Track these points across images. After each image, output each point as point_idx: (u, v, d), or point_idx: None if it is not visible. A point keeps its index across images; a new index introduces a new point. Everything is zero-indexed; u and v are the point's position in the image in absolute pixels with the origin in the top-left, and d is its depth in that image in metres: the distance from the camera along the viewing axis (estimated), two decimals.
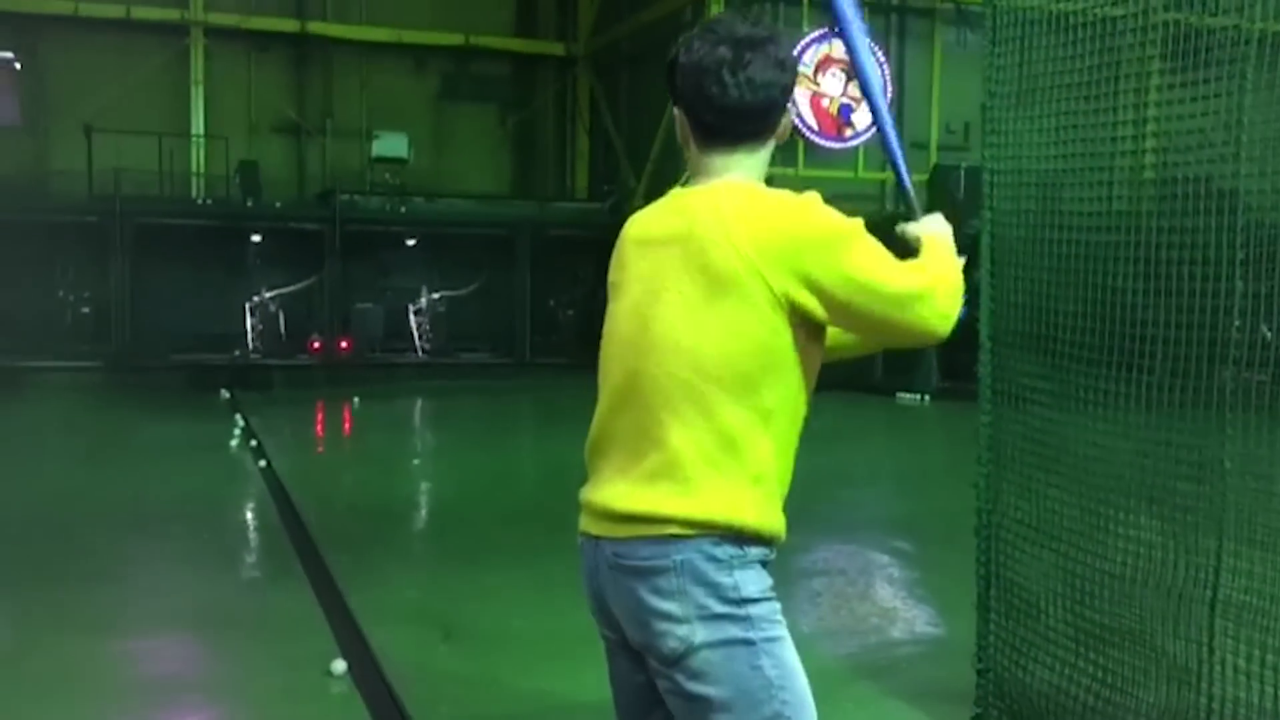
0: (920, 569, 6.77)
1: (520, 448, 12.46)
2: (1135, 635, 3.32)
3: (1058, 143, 3.65)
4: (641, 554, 2.02)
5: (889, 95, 19.68)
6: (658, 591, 2.00)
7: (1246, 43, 2.97)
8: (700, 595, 1.99)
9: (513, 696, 4.40)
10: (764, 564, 2.07)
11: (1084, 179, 3.57)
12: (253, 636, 5.17)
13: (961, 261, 2.23)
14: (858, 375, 16.64)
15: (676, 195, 2.16)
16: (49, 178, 20.58)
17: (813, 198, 2.07)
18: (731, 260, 2.00)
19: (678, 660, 2.00)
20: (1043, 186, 3.72)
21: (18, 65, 20.69)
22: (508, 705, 4.31)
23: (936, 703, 4.18)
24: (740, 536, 2.02)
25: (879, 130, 2.49)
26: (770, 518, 2.07)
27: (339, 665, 4.55)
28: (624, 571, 2.05)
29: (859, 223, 2.04)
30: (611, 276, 2.21)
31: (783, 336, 2.02)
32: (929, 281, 2.06)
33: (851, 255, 2.01)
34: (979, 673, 3.90)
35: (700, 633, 1.99)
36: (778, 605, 2.07)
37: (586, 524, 2.15)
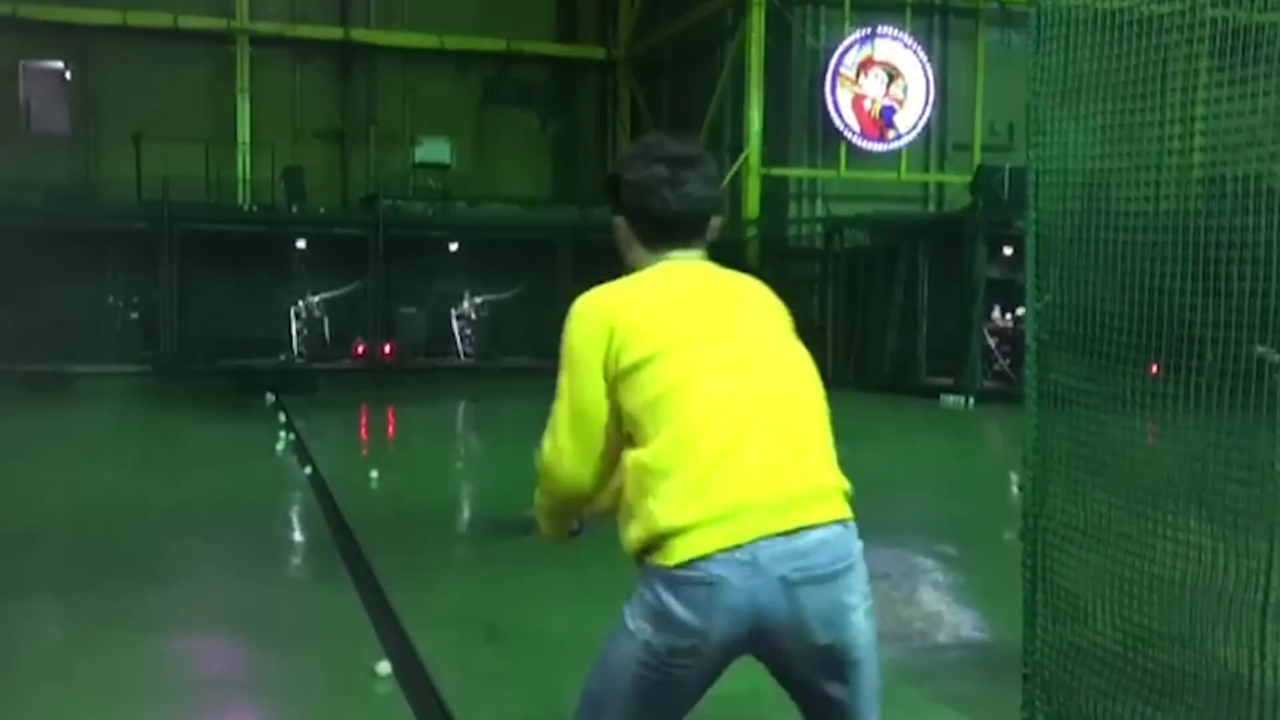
0: (965, 573, 6.71)
1: None
2: (1185, 640, 3.27)
3: (1104, 142, 3.61)
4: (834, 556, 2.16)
5: (932, 97, 19.57)
6: (850, 590, 2.17)
7: None
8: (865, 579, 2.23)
9: (556, 697, 4.40)
10: None
11: (1131, 178, 3.53)
12: (299, 638, 5.22)
13: None
14: (901, 378, 16.60)
15: (681, 266, 2.33)
16: (99, 186, 20.92)
17: None
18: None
19: (852, 643, 2.18)
20: (1089, 186, 3.68)
21: (67, 75, 21.05)
22: (551, 706, 4.32)
23: (982, 708, 4.14)
24: None
25: None
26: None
27: (384, 666, 4.58)
28: (815, 581, 2.11)
29: None
30: (652, 345, 2.19)
31: None
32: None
33: None
34: (1025, 678, 3.86)
35: (866, 613, 2.22)
36: None
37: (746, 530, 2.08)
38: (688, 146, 2.35)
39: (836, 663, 2.18)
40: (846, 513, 2.19)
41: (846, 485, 2.22)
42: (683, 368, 2.19)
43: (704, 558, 2.03)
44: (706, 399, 2.15)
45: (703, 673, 2.16)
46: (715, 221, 2.38)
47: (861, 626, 2.19)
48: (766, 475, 2.09)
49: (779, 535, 2.05)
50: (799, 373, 2.29)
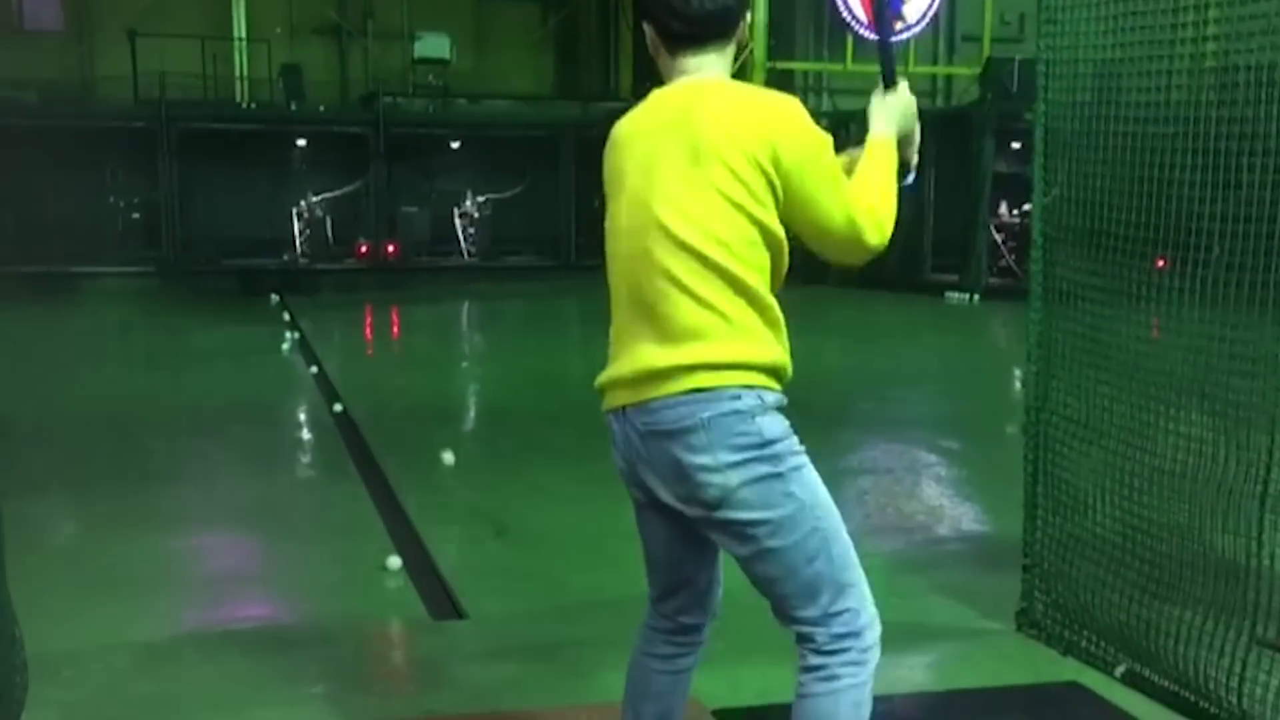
0: (967, 467, 6.78)
1: (566, 349, 12.54)
2: (1183, 530, 3.31)
3: (1116, 31, 3.53)
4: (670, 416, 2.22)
5: None
6: (694, 450, 2.20)
7: None
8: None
9: (562, 590, 4.50)
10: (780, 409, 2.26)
11: (1143, 68, 3.46)
12: (310, 534, 5.30)
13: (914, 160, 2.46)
14: (906, 274, 16.54)
15: (662, 92, 2.36)
16: (94, 83, 20.63)
17: (796, 101, 2.30)
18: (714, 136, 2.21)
19: (720, 504, 2.20)
20: (1099, 77, 3.61)
21: None
22: (557, 598, 4.41)
23: (982, 598, 4.21)
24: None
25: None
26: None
27: (394, 561, 4.66)
28: (656, 436, 2.23)
29: (829, 138, 2.25)
30: (608, 175, 2.38)
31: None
32: (864, 211, 2.25)
33: (821, 160, 2.23)
34: (1025, 568, 3.92)
35: (735, 477, 2.20)
36: (796, 440, 2.26)
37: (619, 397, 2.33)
38: None
39: (716, 521, 2.24)
40: (699, 383, 2.19)
41: (711, 358, 2.19)
42: (610, 226, 2.36)
43: (607, 411, 2.37)
44: (613, 268, 2.36)
45: (652, 511, 2.35)
46: (745, 21, 2.35)
47: (721, 485, 2.18)
48: (632, 356, 2.28)
49: (637, 404, 2.27)
50: (692, 234, 2.18)
